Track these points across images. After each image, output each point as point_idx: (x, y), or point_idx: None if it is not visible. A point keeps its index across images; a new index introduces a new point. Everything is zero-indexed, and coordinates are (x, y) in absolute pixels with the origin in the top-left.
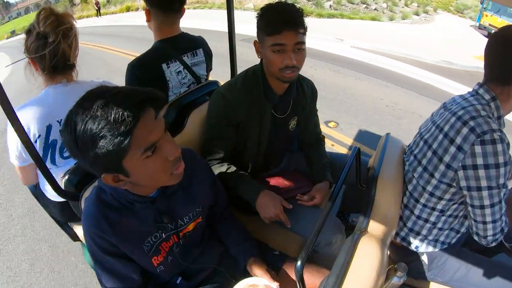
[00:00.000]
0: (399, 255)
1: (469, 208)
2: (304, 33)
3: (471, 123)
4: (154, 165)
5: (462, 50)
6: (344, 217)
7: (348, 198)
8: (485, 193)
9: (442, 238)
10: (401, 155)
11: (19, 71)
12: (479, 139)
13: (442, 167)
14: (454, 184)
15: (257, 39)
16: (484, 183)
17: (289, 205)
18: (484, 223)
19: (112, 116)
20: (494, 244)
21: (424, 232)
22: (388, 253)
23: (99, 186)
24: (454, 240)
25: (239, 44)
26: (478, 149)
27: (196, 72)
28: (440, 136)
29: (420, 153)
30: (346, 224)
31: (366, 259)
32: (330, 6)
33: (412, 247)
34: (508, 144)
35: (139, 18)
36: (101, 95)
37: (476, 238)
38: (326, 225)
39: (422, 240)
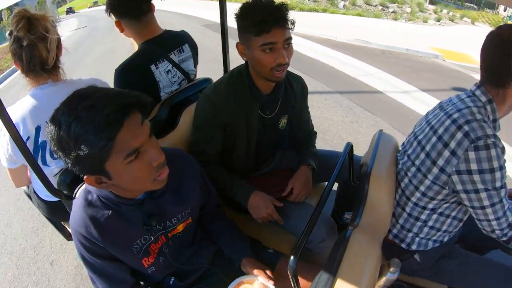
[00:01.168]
0: (393, 252)
1: (470, 210)
2: (292, 28)
3: (466, 127)
4: (136, 170)
5: (425, 41)
6: (338, 215)
7: (342, 197)
8: (483, 194)
9: (434, 237)
10: (394, 152)
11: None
12: (472, 144)
13: (435, 170)
14: (447, 188)
15: (239, 41)
16: (480, 186)
17: (280, 204)
18: (488, 220)
19: (96, 119)
20: (505, 238)
21: (415, 230)
22: (382, 250)
23: (86, 189)
24: (446, 239)
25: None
26: (472, 154)
27: (185, 69)
28: (434, 139)
29: (413, 153)
30: (340, 223)
31: (359, 254)
32: (344, 6)
33: (404, 245)
34: (502, 148)
35: None
36: (87, 97)
37: (485, 233)
38: (318, 222)
39: (413, 238)
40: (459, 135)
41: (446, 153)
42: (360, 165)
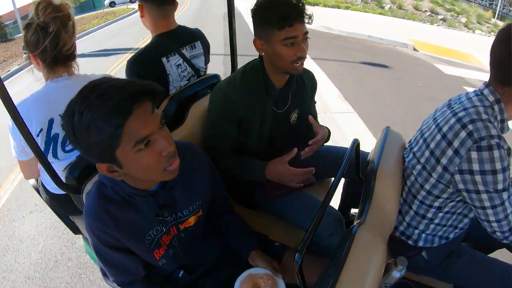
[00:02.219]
0: (399, 250)
1: (472, 207)
2: (310, 22)
3: (470, 127)
4: (146, 159)
5: (407, 35)
6: (344, 212)
7: (348, 194)
8: (484, 196)
9: (440, 233)
10: (401, 149)
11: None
12: (475, 144)
13: (439, 169)
14: (451, 186)
15: (257, 36)
16: (482, 187)
17: (292, 155)
18: (489, 221)
19: (106, 106)
20: (507, 241)
21: (421, 227)
22: (388, 247)
23: (100, 181)
24: (452, 236)
25: None
26: (474, 154)
27: (196, 65)
28: (438, 137)
29: (419, 151)
30: (346, 220)
31: (365, 251)
32: (390, 7)
33: (411, 241)
34: (508, 149)
35: None
36: (99, 86)
37: (488, 232)
38: (326, 217)
39: (419, 235)
40: (462, 134)
41: (450, 152)
42: (366, 162)
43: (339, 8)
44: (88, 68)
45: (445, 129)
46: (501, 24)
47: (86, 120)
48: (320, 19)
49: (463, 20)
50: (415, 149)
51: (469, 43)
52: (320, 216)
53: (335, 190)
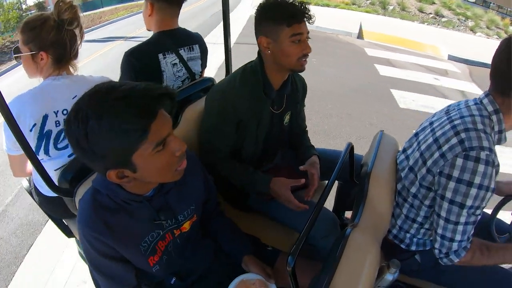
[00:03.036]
0: (393, 253)
1: (434, 216)
2: (311, 22)
3: (463, 134)
4: (162, 160)
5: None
6: (338, 215)
7: (342, 197)
8: (445, 204)
9: (431, 237)
10: (394, 152)
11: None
12: (464, 152)
13: (423, 170)
14: (432, 189)
15: (263, 35)
16: (449, 195)
17: (300, 181)
18: (436, 232)
19: (132, 109)
20: (444, 262)
21: (412, 231)
22: (382, 250)
23: (93, 187)
24: None
25: None
26: (459, 161)
27: (192, 68)
28: (430, 140)
29: (411, 154)
30: (340, 222)
31: (358, 254)
32: (394, 8)
33: (404, 245)
34: (496, 166)
35: None
36: (115, 89)
37: (443, 259)
38: (320, 218)
39: (411, 239)
40: (454, 140)
41: (437, 154)
42: (360, 165)
43: (328, 6)
44: None
45: (438, 133)
46: None
47: (107, 124)
48: None
49: (471, 24)
50: (408, 152)
51: (446, 38)
52: (314, 218)
53: (329, 192)
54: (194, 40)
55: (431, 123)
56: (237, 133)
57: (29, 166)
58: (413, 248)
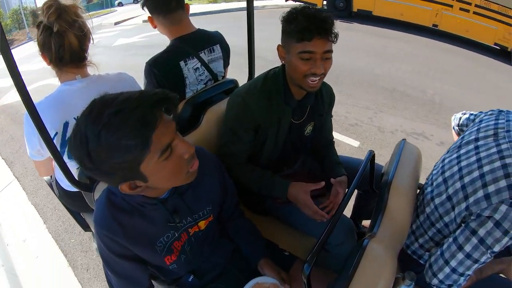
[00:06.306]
0: (409, 265)
1: (450, 239)
2: (334, 41)
3: None
4: (171, 166)
5: None
6: (355, 222)
7: (360, 206)
8: (466, 232)
9: None
10: (416, 162)
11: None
12: (511, 200)
13: (463, 206)
14: (466, 220)
15: (281, 44)
16: (482, 233)
17: (319, 185)
18: (446, 262)
19: (129, 122)
20: (426, 276)
21: (433, 250)
22: (398, 261)
23: (109, 189)
24: None
25: None
26: (503, 207)
27: (214, 69)
28: (476, 173)
29: (450, 178)
30: (357, 231)
31: (374, 265)
32: None
33: (422, 261)
34: None
35: None
36: (109, 104)
37: (427, 270)
38: (337, 225)
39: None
40: (502, 183)
41: (480, 194)
42: (380, 174)
43: None
44: None
45: (486, 169)
46: None
47: (106, 142)
48: None
49: None
50: (446, 174)
51: None
52: (332, 226)
53: (349, 200)
54: (215, 41)
55: (477, 148)
56: (256, 137)
57: (52, 164)
58: None
